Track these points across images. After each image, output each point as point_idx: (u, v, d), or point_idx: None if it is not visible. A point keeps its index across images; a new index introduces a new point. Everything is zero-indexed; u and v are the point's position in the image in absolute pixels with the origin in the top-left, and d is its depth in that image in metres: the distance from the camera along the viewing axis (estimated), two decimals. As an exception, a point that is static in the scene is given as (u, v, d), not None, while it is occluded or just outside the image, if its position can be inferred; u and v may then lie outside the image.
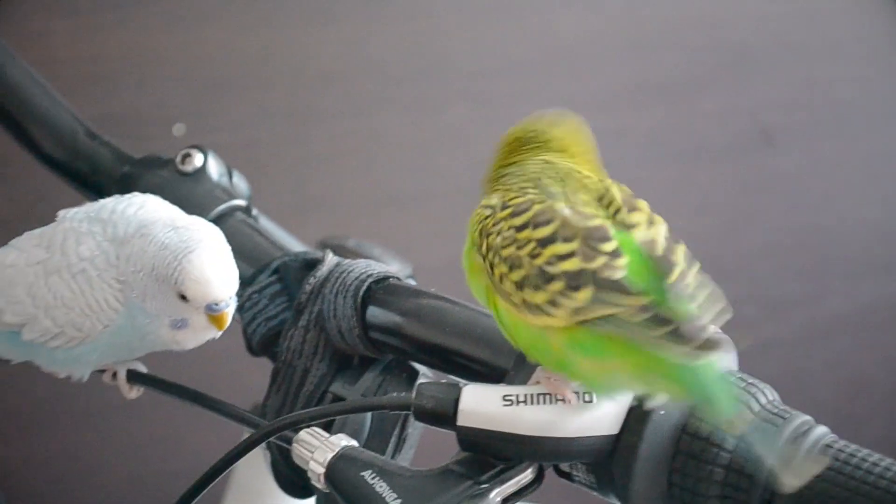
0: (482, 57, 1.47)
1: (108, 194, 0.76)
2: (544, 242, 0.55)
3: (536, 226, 0.56)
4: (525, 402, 0.58)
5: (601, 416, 0.57)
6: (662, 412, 0.57)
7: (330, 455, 0.60)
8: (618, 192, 0.57)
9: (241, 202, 0.78)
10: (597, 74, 1.50)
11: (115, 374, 0.71)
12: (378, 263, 0.70)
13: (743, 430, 0.53)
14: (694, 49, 1.55)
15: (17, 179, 1.29)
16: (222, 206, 0.76)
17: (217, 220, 0.76)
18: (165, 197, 0.71)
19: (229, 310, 0.65)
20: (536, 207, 0.57)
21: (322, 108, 1.41)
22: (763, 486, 0.56)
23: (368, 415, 0.67)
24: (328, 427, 0.64)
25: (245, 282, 0.70)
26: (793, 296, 1.60)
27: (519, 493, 0.59)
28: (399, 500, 0.58)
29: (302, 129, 1.41)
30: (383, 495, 0.58)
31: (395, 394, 0.66)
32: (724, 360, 0.54)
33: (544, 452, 0.58)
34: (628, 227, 0.56)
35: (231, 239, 0.69)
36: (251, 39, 1.37)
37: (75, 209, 0.68)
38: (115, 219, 0.66)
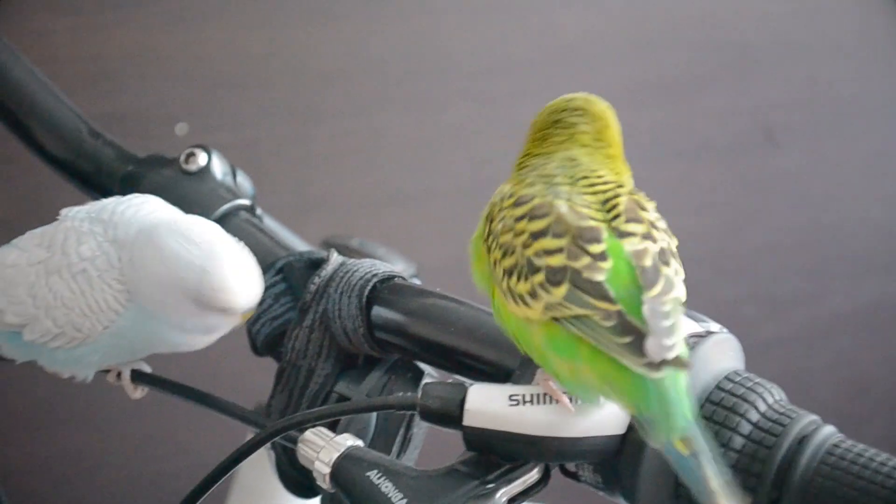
0: (484, 56, 1.47)
1: (112, 193, 0.76)
2: (537, 235, 0.56)
3: (533, 218, 0.56)
4: (531, 401, 0.58)
5: (608, 416, 0.57)
6: (670, 412, 0.57)
7: (335, 455, 0.60)
8: (625, 201, 0.57)
9: (245, 201, 0.77)
10: (599, 73, 1.50)
11: (119, 374, 0.70)
12: (383, 263, 0.70)
13: (691, 452, 0.52)
14: (696, 48, 1.55)
15: (19, 178, 1.28)
16: (226, 206, 0.76)
17: (221, 220, 0.76)
18: (169, 196, 0.70)
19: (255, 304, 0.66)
20: (537, 201, 0.57)
21: (324, 108, 1.41)
22: (770, 485, 0.56)
23: (373, 415, 0.67)
24: (333, 427, 0.64)
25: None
26: (794, 295, 1.60)
27: (525, 494, 0.59)
28: (405, 500, 0.57)
29: (303, 129, 1.40)
30: (389, 495, 0.58)
31: (400, 394, 0.66)
32: (685, 380, 0.54)
33: (550, 452, 0.58)
34: (622, 234, 0.56)
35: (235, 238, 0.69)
36: (253, 39, 1.37)
37: (77, 208, 0.68)
38: (116, 220, 0.66)
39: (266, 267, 0.71)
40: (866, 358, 1.62)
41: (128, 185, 0.77)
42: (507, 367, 0.63)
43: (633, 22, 1.53)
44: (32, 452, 1.35)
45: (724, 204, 1.57)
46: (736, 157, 1.57)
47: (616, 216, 0.56)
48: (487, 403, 0.58)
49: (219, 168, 0.78)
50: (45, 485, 1.35)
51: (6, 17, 1.23)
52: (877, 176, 1.64)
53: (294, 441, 0.62)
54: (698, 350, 0.59)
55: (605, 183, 0.58)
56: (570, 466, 0.61)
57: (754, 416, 0.58)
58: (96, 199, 0.71)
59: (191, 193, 0.76)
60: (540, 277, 0.55)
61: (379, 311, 0.68)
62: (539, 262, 0.55)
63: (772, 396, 0.58)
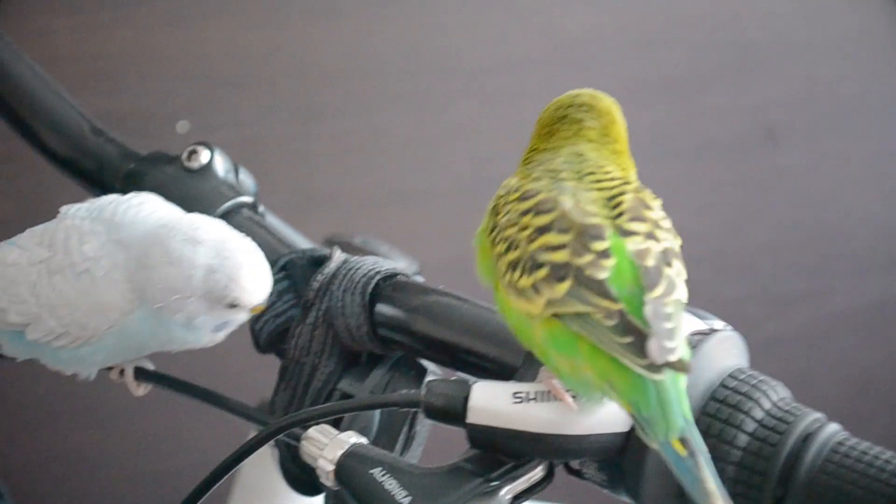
0: (486, 54, 1.47)
1: (114, 191, 0.76)
2: (541, 230, 0.56)
3: (538, 213, 0.56)
4: (535, 399, 0.57)
5: (612, 414, 0.57)
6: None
7: (339, 452, 0.60)
8: (630, 198, 0.57)
9: (247, 199, 0.77)
10: (601, 71, 1.50)
11: (122, 372, 0.70)
12: (386, 260, 0.70)
13: (688, 452, 0.52)
14: (698, 46, 1.55)
15: (19, 176, 1.28)
16: (229, 203, 0.76)
17: (223, 217, 0.75)
18: (171, 193, 0.70)
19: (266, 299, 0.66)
20: (542, 195, 0.57)
21: (325, 106, 1.41)
22: (775, 483, 0.56)
23: (377, 412, 0.67)
24: (336, 424, 0.64)
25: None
26: (797, 293, 1.60)
27: (529, 491, 0.59)
28: (409, 498, 0.57)
29: (305, 127, 1.40)
30: (393, 493, 0.58)
31: (404, 391, 0.66)
32: (685, 381, 0.54)
33: (555, 450, 0.57)
34: (626, 233, 0.56)
35: None
36: (255, 36, 1.37)
37: (77, 206, 0.68)
38: (118, 220, 0.66)
39: (269, 264, 0.71)
40: (868, 356, 1.62)
41: (130, 182, 0.77)
42: (510, 364, 0.63)
43: (634, 21, 1.53)
44: (34, 450, 1.35)
45: (725, 203, 1.57)
46: (737, 155, 1.57)
47: (620, 214, 0.56)
48: (491, 401, 0.58)
49: (221, 165, 0.78)
50: (47, 482, 1.35)
51: (7, 17, 1.23)
52: (878, 174, 1.64)
53: (297, 438, 0.62)
54: (703, 347, 0.59)
55: (611, 179, 0.58)
56: (575, 464, 0.61)
57: (759, 414, 0.57)
58: (98, 196, 0.71)
59: (193, 191, 0.76)
60: (543, 273, 0.55)
61: (382, 309, 0.68)
62: (542, 257, 0.55)
63: (776, 394, 0.58)
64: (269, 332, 0.72)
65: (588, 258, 0.54)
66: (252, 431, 0.78)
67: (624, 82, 1.52)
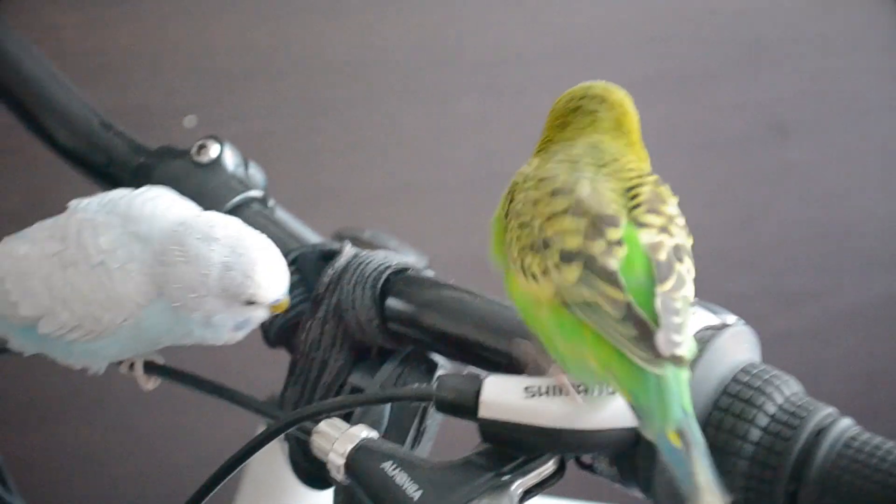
0: (496, 47, 1.46)
1: (123, 185, 0.76)
2: (556, 215, 0.56)
3: (554, 197, 0.56)
4: (547, 393, 0.57)
5: (624, 408, 0.56)
6: (687, 404, 0.57)
7: (350, 446, 0.60)
8: (647, 191, 0.57)
9: (257, 193, 0.77)
10: (610, 65, 1.50)
11: (132, 365, 0.70)
12: (396, 254, 0.70)
13: (683, 444, 0.51)
14: (707, 41, 1.54)
15: (26, 170, 1.28)
16: (238, 198, 0.76)
17: (233, 211, 0.75)
18: (181, 188, 0.70)
19: (287, 296, 0.66)
20: (560, 181, 0.57)
21: (333, 100, 1.41)
22: (788, 478, 0.56)
23: (387, 406, 0.66)
24: (347, 419, 0.64)
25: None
26: (806, 289, 1.60)
27: (540, 486, 0.59)
28: (420, 492, 0.57)
29: (313, 121, 1.40)
30: (404, 487, 0.58)
31: (416, 385, 0.66)
32: (687, 374, 0.53)
33: (566, 444, 0.57)
34: (640, 224, 0.55)
35: None
36: (262, 31, 1.37)
37: (87, 199, 0.68)
38: (135, 214, 0.66)
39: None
40: (877, 352, 1.62)
41: (139, 176, 0.77)
42: (522, 358, 0.63)
43: (643, 15, 1.53)
44: (41, 445, 1.35)
45: (733, 198, 1.57)
46: (746, 151, 1.57)
47: (637, 205, 0.56)
48: (503, 395, 0.58)
49: (231, 159, 0.78)
50: (54, 477, 1.35)
51: (15, 12, 1.22)
52: (889, 170, 1.64)
53: (308, 432, 0.62)
54: (715, 342, 0.58)
55: (629, 170, 0.58)
56: (586, 459, 0.61)
57: (771, 409, 0.57)
58: (107, 190, 0.71)
59: (203, 185, 0.76)
60: (555, 257, 0.55)
61: (392, 303, 0.68)
62: (555, 241, 0.55)
63: (789, 388, 0.58)
64: (279, 326, 0.72)
65: (601, 246, 0.54)
66: (261, 426, 0.78)
67: (632, 77, 1.51)
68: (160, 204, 0.66)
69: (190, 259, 0.64)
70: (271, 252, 0.65)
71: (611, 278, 0.54)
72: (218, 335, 0.66)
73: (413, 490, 0.57)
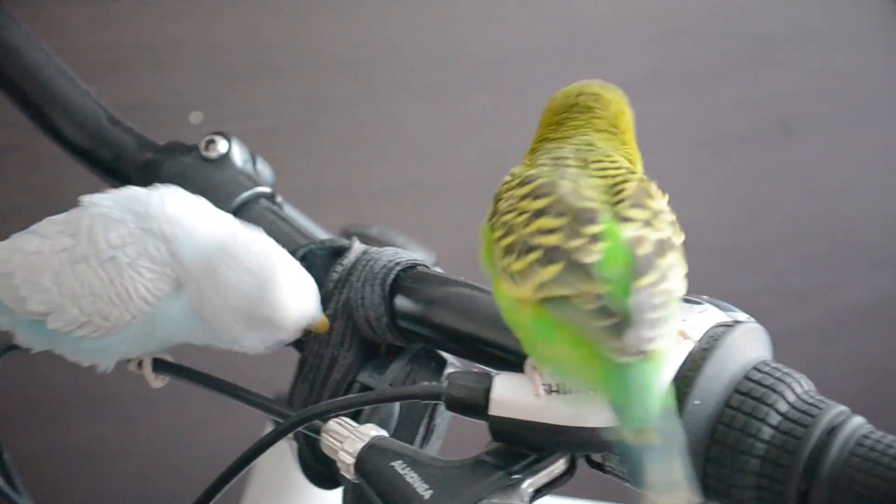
0: (501, 45, 1.46)
1: (131, 180, 0.76)
2: (537, 214, 0.56)
3: (536, 197, 0.57)
4: (558, 391, 0.57)
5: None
6: (697, 402, 0.57)
7: (360, 445, 0.60)
8: (633, 186, 0.57)
9: (265, 189, 0.77)
10: (614, 63, 1.50)
11: (140, 363, 0.70)
12: (405, 251, 0.70)
13: (644, 444, 0.51)
14: (713, 37, 1.54)
15: (32, 167, 1.28)
16: (246, 193, 0.76)
17: (241, 207, 0.75)
18: (190, 183, 0.70)
19: (322, 316, 0.66)
20: (541, 181, 0.57)
21: (339, 97, 1.41)
22: (799, 477, 0.56)
23: (397, 404, 0.66)
24: (355, 417, 0.64)
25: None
26: (812, 286, 1.60)
27: (551, 484, 0.59)
28: (430, 491, 0.57)
29: (318, 118, 1.40)
30: (414, 486, 0.57)
31: (426, 383, 0.66)
32: (660, 374, 0.53)
33: (577, 443, 0.57)
34: (623, 219, 0.56)
35: (256, 226, 0.69)
36: (268, 28, 1.36)
37: (100, 195, 0.67)
38: (152, 213, 0.66)
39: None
40: (883, 349, 1.62)
41: (147, 172, 0.77)
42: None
43: (648, 12, 1.53)
44: (48, 443, 1.35)
45: (739, 195, 1.57)
46: (752, 147, 1.57)
47: (620, 200, 0.56)
48: (513, 393, 0.57)
49: (239, 155, 0.78)
50: (61, 475, 1.35)
51: (20, 5, 1.22)
52: (893, 167, 1.64)
53: (317, 431, 0.61)
54: (726, 339, 0.58)
55: (617, 168, 0.59)
56: (597, 457, 0.60)
57: (783, 407, 0.57)
58: (115, 186, 0.70)
59: (211, 181, 0.76)
60: (535, 256, 0.55)
61: (402, 300, 0.67)
62: (535, 241, 0.55)
63: (800, 386, 0.58)
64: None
65: (579, 242, 0.55)
66: (269, 424, 0.78)
67: (638, 74, 1.51)
68: (182, 207, 0.66)
69: (220, 289, 0.64)
70: (300, 280, 0.65)
71: (587, 272, 0.54)
72: (247, 351, 0.66)
73: (423, 489, 0.57)
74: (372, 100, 1.43)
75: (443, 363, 0.68)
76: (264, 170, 0.79)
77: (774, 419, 0.57)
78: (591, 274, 0.54)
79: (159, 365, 0.70)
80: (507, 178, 0.60)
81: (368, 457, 0.59)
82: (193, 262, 0.65)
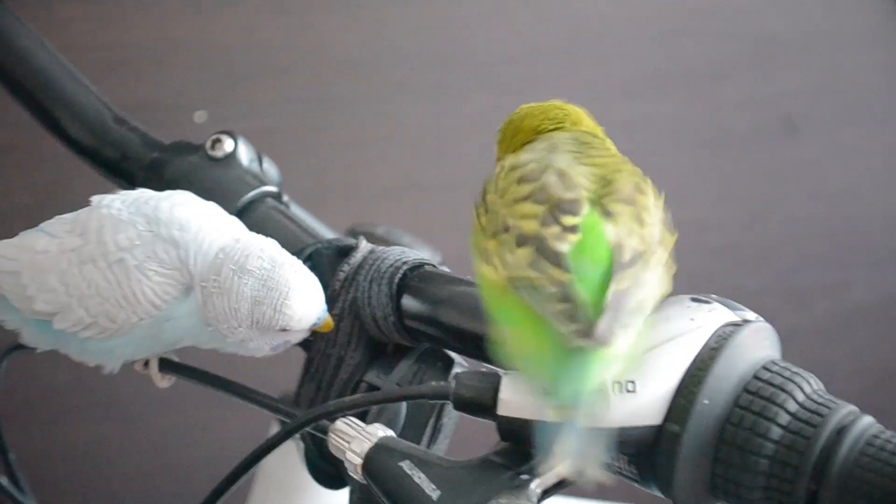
0: (504, 44, 1.46)
1: (137, 180, 0.76)
2: (520, 200, 0.56)
3: (521, 182, 0.57)
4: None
5: (643, 407, 0.56)
6: (706, 402, 0.56)
7: (367, 445, 0.59)
8: (625, 179, 0.57)
9: (271, 188, 0.77)
10: (619, 62, 1.50)
11: (146, 363, 0.70)
12: (412, 250, 0.69)
13: (563, 419, 0.52)
14: (717, 36, 1.54)
15: (36, 167, 1.28)
16: (253, 193, 0.76)
17: (248, 207, 0.75)
18: (196, 183, 0.70)
19: (327, 316, 0.66)
20: (531, 168, 0.58)
21: (342, 96, 1.41)
22: (809, 477, 0.55)
23: (403, 404, 0.66)
24: (362, 417, 0.64)
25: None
26: (814, 285, 1.60)
27: (559, 485, 0.58)
28: (438, 492, 0.57)
29: (321, 117, 1.40)
30: (421, 486, 0.57)
31: (433, 383, 0.65)
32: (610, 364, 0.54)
33: (585, 443, 0.57)
34: (608, 213, 0.56)
35: (262, 225, 0.69)
36: (272, 26, 1.36)
37: (110, 196, 0.67)
38: (162, 217, 0.65)
39: (294, 254, 0.71)
40: (886, 348, 1.62)
41: (153, 171, 0.76)
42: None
43: (651, 11, 1.53)
44: (53, 442, 1.35)
45: (743, 194, 1.57)
46: (756, 146, 1.57)
47: (608, 193, 0.56)
48: (522, 393, 0.57)
49: (245, 154, 0.77)
50: (66, 474, 1.35)
51: (25, 5, 1.22)
52: (896, 166, 1.64)
53: (324, 431, 0.61)
54: (735, 338, 0.58)
55: (612, 156, 0.59)
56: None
57: (792, 406, 0.57)
58: (121, 186, 0.70)
59: (217, 180, 0.75)
60: (511, 241, 0.55)
61: (409, 300, 0.67)
62: (514, 226, 0.56)
63: (810, 386, 0.58)
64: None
65: (555, 230, 0.55)
66: (274, 424, 0.77)
67: (641, 73, 1.51)
68: (192, 212, 0.66)
69: (224, 291, 0.64)
70: (304, 280, 0.65)
71: (556, 260, 0.54)
72: (253, 353, 0.66)
73: (431, 489, 0.57)
74: (373, 100, 1.43)
75: (450, 363, 0.68)
76: (271, 169, 0.79)
77: (784, 419, 0.56)
78: (560, 262, 0.54)
79: (165, 365, 0.70)
80: (497, 167, 0.60)
81: (376, 457, 0.59)
82: (200, 267, 0.64)
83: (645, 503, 0.65)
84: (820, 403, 0.57)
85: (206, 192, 0.68)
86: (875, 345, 1.61)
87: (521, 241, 0.55)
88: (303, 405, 0.69)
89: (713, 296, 0.61)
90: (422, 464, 0.58)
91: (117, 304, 0.64)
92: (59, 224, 0.67)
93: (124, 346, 0.66)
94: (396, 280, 0.67)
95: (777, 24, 1.58)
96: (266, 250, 0.65)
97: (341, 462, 0.60)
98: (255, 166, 0.78)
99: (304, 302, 0.64)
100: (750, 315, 0.60)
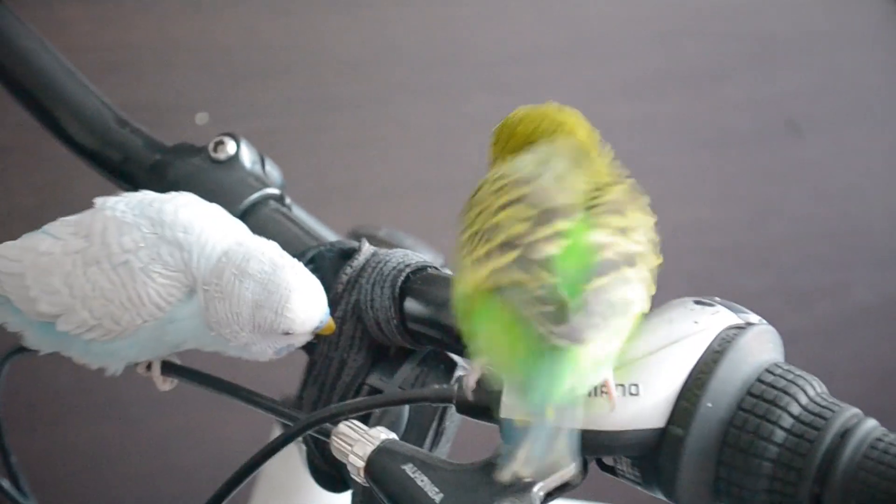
0: (505, 45, 1.46)
1: (139, 182, 0.76)
2: (511, 203, 0.56)
3: (511, 189, 0.57)
4: (570, 394, 0.57)
5: (647, 410, 0.56)
6: (710, 405, 0.56)
7: (370, 448, 0.59)
8: (619, 192, 0.58)
9: (274, 191, 0.77)
10: (622, 62, 1.50)
11: (149, 366, 0.69)
12: (414, 253, 0.69)
13: (534, 420, 0.52)
14: (720, 37, 1.54)
15: (34, 168, 1.28)
16: (255, 195, 0.76)
17: (250, 209, 0.75)
18: (198, 185, 0.70)
19: (329, 319, 0.66)
20: (526, 171, 0.58)
21: (343, 96, 1.41)
22: (812, 480, 0.55)
23: (406, 407, 0.66)
24: (365, 420, 0.63)
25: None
26: (818, 286, 1.60)
27: (562, 488, 0.58)
28: (441, 495, 0.57)
29: (323, 118, 1.40)
30: (424, 489, 0.57)
31: (436, 386, 0.65)
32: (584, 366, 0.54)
33: (589, 446, 0.57)
34: (595, 224, 0.56)
35: (265, 228, 0.69)
36: (272, 28, 1.36)
37: (114, 198, 0.67)
38: (166, 219, 0.65)
39: (296, 257, 0.70)
40: (888, 349, 1.62)
41: (156, 173, 0.76)
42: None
43: (654, 11, 1.53)
44: (54, 444, 1.35)
45: (747, 194, 1.57)
46: (759, 147, 1.57)
47: (599, 204, 0.56)
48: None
49: (248, 157, 0.77)
50: (67, 476, 1.35)
51: (25, 6, 1.22)
52: (900, 167, 1.64)
53: (327, 434, 0.61)
54: (738, 341, 0.58)
55: (605, 168, 0.60)
56: (608, 460, 0.60)
57: (796, 410, 0.57)
58: (123, 188, 0.70)
59: (220, 182, 0.75)
60: (498, 241, 0.55)
61: (412, 302, 0.67)
62: (503, 227, 0.56)
63: (813, 389, 0.57)
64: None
65: (542, 234, 0.55)
66: (275, 426, 0.77)
67: (643, 73, 1.51)
68: (195, 214, 0.66)
69: (225, 295, 0.64)
70: (306, 283, 0.65)
71: (543, 263, 0.54)
72: (256, 357, 0.66)
73: (434, 493, 0.57)
74: (374, 100, 1.43)
75: (453, 366, 0.68)
76: (273, 171, 0.78)
77: (787, 422, 0.56)
78: (544, 266, 0.54)
79: (168, 368, 0.70)
80: (491, 174, 0.60)
81: (379, 460, 0.59)
82: (202, 270, 0.64)
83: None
84: (823, 407, 0.57)
85: (208, 195, 0.68)
86: (876, 345, 1.61)
87: (509, 242, 0.55)
88: (305, 408, 0.69)
89: (716, 298, 0.61)
90: (425, 467, 0.58)
91: (122, 305, 0.64)
92: (63, 226, 0.67)
93: (128, 348, 0.66)
94: (399, 283, 0.67)
95: (778, 24, 1.58)
96: (267, 253, 0.65)
97: (344, 465, 0.60)
98: (257, 168, 0.78)
99: (306, 305, 0.64)
100: (753, 318, 0.60)
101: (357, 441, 0.60)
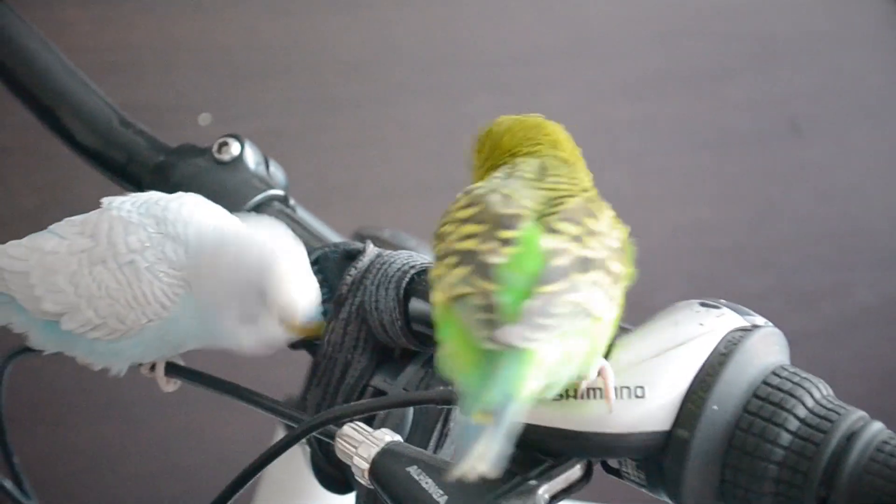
0: (505, 46, 1.46)
1: (143, 183, 0.76)
2: (465, 221, 0.56)
3: (467, 207, 0.57)
4: (574, 396, 0.57)
5: (652, 412, 0.56)
6: (716, 407, 0.56)
7: (374, 450, 0.59)
8: (575, 202, 0.57)
9: (278, 192, 0.77)
10: (623, 63, 1.49)
11: (152, 367, 0.69)
12: (419, 254, 0.69)
13: (481, 423, 0.51)
14: (722, 38, 1.54)
15: (36, 168, 1.28)
16: (259, 196, 0.76)
17: (255, 210, 0.75)
18: (203, 186, 0.70)
19: (321, 318, 0.66)
20: (480, 192, 0.58)
21: (346, 97, 1.41)
22: (818, 483, 0.55)
23: (410, 409, 0.66)
24: (369, 421, 0.63)
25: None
26: (820, 287, 1.59)
27: (567, 490, 0.58)
28: (445, 497, 0.57)
29: (325, 118, 1.40)
30: (429, 491, 0.57)
31: (441, 388, 0.65)
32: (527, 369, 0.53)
33: (593, 448, 0.57)
34: (549, 230, 0.56)
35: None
36: (275, 28, 1.36)
37: (121, 198, 0.67)
38: (170, 217, 0.65)
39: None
40: (892, 350, 1.61)
41: (160, 174, 0.76)
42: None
43: (655, 12, 1.52)
44: (56, 444, 1.34)
45: (749, 195, 1.57)
46: (761, 147, 1.56)
47: (553, 213, 0.56)
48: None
49: (252, 158, 0.77)
50: (69, 477, 1.35)
51: (27, 7, 1.22)
52: (902, 167, 1.64)
53: (332, 436, 0.61)
54: (744, 344, 0.58)
55: (572, 184, 0.59)
56: (614, 463, 0.60)
57: (802, 412, 0.56)
58: (127, 189, 0.70)
59: (224, 183, 0.75)
60: (452, 261, 0.55)
61: (416, 304, 0.67)
62: (456, 247, 0.56)
63: (819, 391, 0.57)
64: (299, 327, 0.71)
65: (490, 246, 0.55)
66: (279, 428, 0.77)
67: (644, 74, 1.51)
68: (197, 209, 0.66)
69: (221, 279, 0.64)
70: (299, 272, 0.65)
71: (487, 273, 0.54)
72: (246, 348, 0.66)
73: (438, 495, 0.57)
74: (377, 101, 1.43)
75: (457, 367, 0.67)
76: (277, 172, 0.78)
77: (793, 424, 0.56)
78: (491, 274, 0.54)
79: (171, 369, 0.70)
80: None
81: (383, 462, 0.59)
82: (199, 259, 0.64)
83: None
84: (829, 409, 0.57)
85: (212, 196, 0.68)
86: (879, 346, 1.61)
87: (460, 259, 0.55)
88: (309, 410, 0.69)
89: (722, 300, 0.60)
90: (429, 469, 0.58)
91: (127, 304, 0.64)
92: (68, 226, 0.67)
93: (132, 347, 0.66)
94: (404, 284, 0.67)
95: (779, 24, 1.57)
96: (267, 239, 0.65)
97: (348, 467, 0.60)
98: (261, 170, 0.77)
99: (293, 292, 0.64)
100: (759, 320, 0.60)
101: (361, 443, 0.60)
